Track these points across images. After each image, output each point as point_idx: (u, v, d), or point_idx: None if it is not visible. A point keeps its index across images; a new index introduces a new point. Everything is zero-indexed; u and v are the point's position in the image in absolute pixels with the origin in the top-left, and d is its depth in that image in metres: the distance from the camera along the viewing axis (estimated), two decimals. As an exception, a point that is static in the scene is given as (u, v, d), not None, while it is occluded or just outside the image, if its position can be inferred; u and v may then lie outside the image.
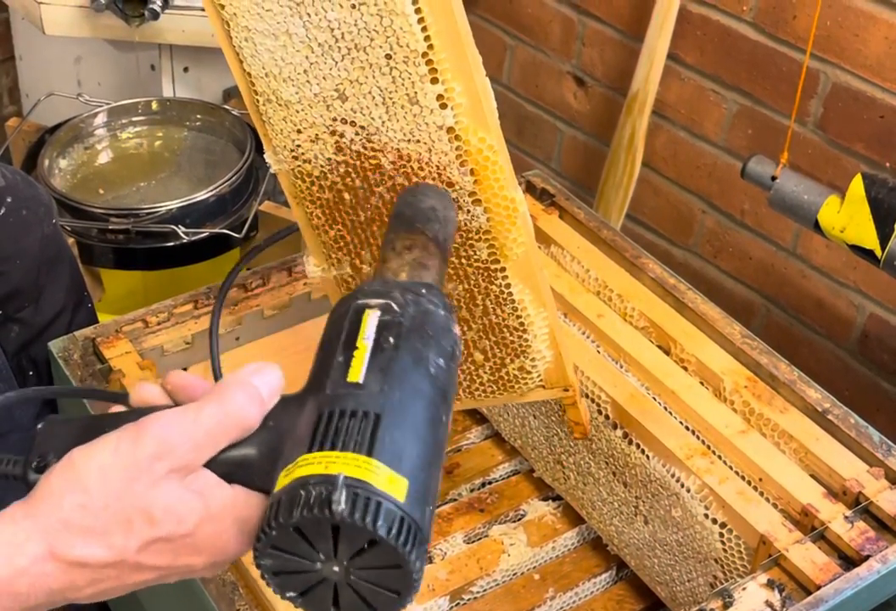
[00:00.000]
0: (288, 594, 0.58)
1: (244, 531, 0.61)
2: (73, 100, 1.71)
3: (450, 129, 0.83)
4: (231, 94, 1.82)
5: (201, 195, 1.56)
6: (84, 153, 1.68)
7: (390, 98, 0.82)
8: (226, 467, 0.61)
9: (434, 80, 0.80)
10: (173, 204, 1.54)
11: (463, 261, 0.91)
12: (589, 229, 1.29)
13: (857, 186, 1.17)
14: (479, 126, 0.83)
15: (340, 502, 0.54)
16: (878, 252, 1.16)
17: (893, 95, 1.40)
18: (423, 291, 0.64)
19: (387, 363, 0.60)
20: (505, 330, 0.94)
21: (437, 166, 0.85)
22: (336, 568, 0.56)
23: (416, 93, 0.81)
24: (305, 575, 0.57)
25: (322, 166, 0.88)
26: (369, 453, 0.56)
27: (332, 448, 0.56)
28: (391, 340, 0.60)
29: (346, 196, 0.90)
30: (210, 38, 1.66)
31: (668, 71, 1.63)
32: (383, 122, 0.84)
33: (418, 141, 0.84)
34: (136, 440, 0.59)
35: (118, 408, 0.65)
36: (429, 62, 0.80)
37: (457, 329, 0.65)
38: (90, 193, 1.61)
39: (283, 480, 0.57)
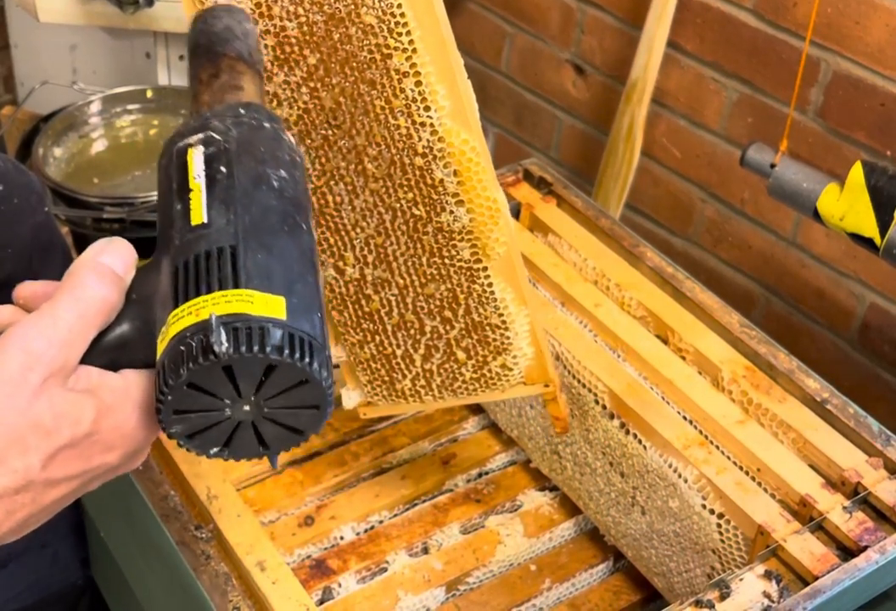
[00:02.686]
0: (212, 452, 0.57)
1: (148, 412, 0.58)
2: (68, 88, 1.70)
3: (433, 131, 0.83)
4: (227, 82, 1.81)
5: (197, 184, 1.55)
6: (79, 142, 1.67)
7: (373, 102, 0.84)
8: (105, 355, 0.58)
9: (418, 83, 0.82)
10: (169, 193, 1.53)
11: (446, 261, 0.91)
12: (587, 218, 1.28)
13: (856, 173, 1.16)
14: (463, 128, 0.84)
15: (221, 342, 0.52)
16: (878, 240, 1.15)
17: (894, 83, 1.38)
18: (242, 111, 0.60)
19: (225, 193, 0.56)
20: (487, 328, 0.95)
21: (421, 168, 0.85)
22: (246, 407, 0.54)
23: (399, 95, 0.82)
24: (220, 426, 0.55)
25: (307, 171, 0.89)
26: (236, 285, 0.54)
27: (198, 295, 0.54)
28: (222, 169, 0.57)
29: (330, 199, 0.90)
30: (206, 26, 1.65)
31: (668, 59, 1.62)
32: (365, 125, 0.85)
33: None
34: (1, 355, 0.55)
35: None
36: (413, 66, 0.81)
37: (289, 136, 0.61)
38: (85, 182, 1.60)
39: (161, 345, 0.55)
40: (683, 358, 1.14)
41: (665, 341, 1.16)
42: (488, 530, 1.20)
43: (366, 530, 1.19)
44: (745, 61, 1.54)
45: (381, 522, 1.20)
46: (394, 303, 0.95)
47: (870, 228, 1.16)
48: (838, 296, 1.56)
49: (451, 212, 0.88)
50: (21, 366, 0.55)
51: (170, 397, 0.53)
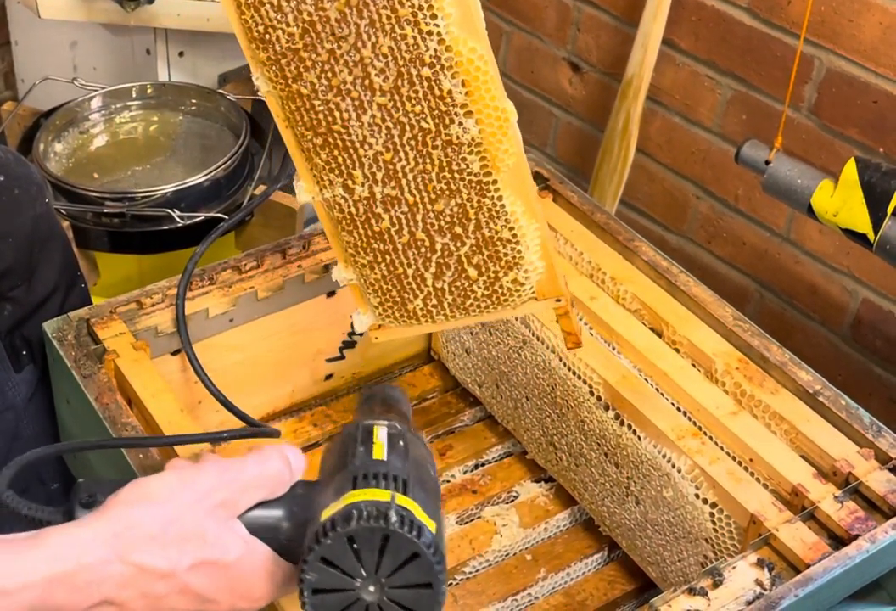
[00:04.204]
0: None
1: (273, 579, 0.69)
2: (68, 84, 1.70)
3: (440, 40, 0.83)
4: (227, 78, 1.82)
5: (196, 179, 1.56)
6: (79, 137, 1.68)
7: (378, 12, 0.83)
8: (257, 527, 0.69)
9: None
10: (168, 188, 1.54)
11: (455, 175, 0.90)
12: (582, 213, 1.30)
13: (850, 170, 1.17)
14: (470, 36, 0.83)
15: (393, 515, 0.65)
16: (871, 236, 1.17)
17: (887, 81, 1.40)
18: (411, 429, 0.77)
19: (402, 453, 0.72)
20: (498, 243, 0.94)
21: (428, 79, 0.85)
22: (372, 588, 0.66)
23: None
24: (343, 594, 0.65)
25: (314, 84, 0.88)
26: (405, 493, 0.68)
27: (376, 487, 0.67)
28: (401, 443, 0.73)
29: (338, 115, 0.89)
30: (205, 23, 1.66)
31: (663, 56, 1.63)
32: (371, 36, 0.85)
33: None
34: (199, 471, 0.68)
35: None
36: None
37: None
38: (85, 177, 1.61)
39: (328, 512, 0.66)
40: (677, 350, 1.15)
41: (659, 334, 1.17)
42: (484, 520, 1.21)
43: (363, 521, 1.20)
44: (740, 59, 1.55)
45: (378, 512, 1.21)
46: (404, 221, 0.94)
47: (863, 224, 1.17)
48: (831, 291, 1.57)
49: (460, 123, 0.87)
50: (211, 485, 0.68)
51: (328, 541, 0.65)
